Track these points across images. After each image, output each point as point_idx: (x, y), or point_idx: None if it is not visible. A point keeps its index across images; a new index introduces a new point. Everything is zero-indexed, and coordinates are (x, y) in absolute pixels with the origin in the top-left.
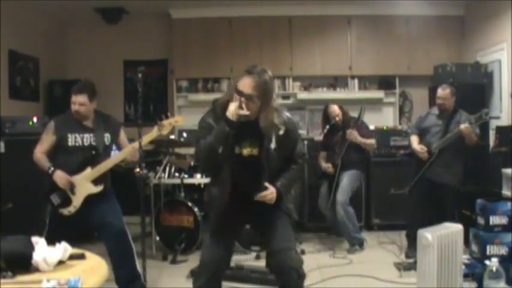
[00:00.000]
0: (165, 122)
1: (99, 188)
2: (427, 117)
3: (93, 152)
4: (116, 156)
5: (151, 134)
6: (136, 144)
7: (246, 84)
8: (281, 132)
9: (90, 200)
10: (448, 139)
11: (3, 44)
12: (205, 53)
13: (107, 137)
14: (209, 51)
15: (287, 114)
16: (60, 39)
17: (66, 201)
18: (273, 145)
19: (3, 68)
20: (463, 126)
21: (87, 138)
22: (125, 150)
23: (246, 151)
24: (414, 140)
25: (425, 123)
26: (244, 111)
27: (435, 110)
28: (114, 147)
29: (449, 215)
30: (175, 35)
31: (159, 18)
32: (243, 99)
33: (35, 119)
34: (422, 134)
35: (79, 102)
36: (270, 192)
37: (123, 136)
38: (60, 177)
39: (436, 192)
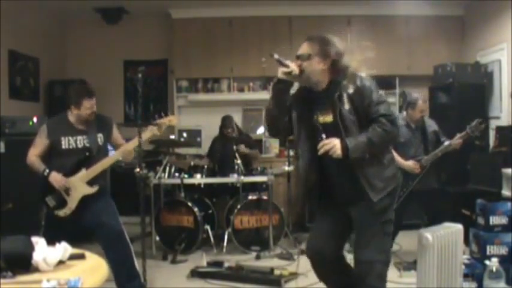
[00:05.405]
0: (159, 122)
1: (94, 189)
2: (400, 130)
3: (87, 154)
4: (110, 158)
5: (144, 135)
6: (130, 145)
7: (300, 48)
8: (350, 90)
9: (85, 200)
10: (441, 151)
11: (3, 44)
12: (205, 53)
13: (100, 137)
14: (209, 51)
15: (363, 74)
16: (60, 39)
17: (62, 203)
18: (346, 106)
19: (3, 68)
20: (456, 142)
21: (81, 140)
22: (120, 150)
23: (321, 119)
24: (397, 156)
25: (402, 137)
26: (286, 69)
27: (401, 121)
28: (110, 148)
29: (441, 215)
30: (175, 35)
31: (159, 18)
32: (298, 61)
33: (35, 119)
34: (398, 147)
35: (94, 105)
36: (328, 142)
37: (116, 133)
38: (55, 179)
39: (417, 198)
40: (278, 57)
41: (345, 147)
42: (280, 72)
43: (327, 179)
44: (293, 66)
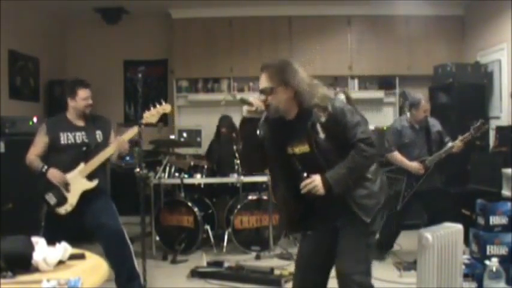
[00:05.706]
0: (153, 111)
1: (93, 183)
2: (404, 131)
3: (85, 148)
4: (106, 150)
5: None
6: (125, 136)
7: (260, 81)
8: (322, 119)
9: (85, 197)
10: (445, 152)
11: (3, 44)
12: (205, 53)
13: (99, 134)
14: (209, 51)
15: (334, 98)
16: (60, 39)
17: (62, 200)
18: (321, 135)
19: (3, 68)
20: (458, 144)
21: (79, 136)
22: (117, 141)
23: (297, 149)
24: (401, 158)
25: (406, 138)
26: (251, 108)
27: (405, 122)
28: None
29: (441, 214)
30: (175, 35)
31: (159, 18)
32: (262, 96)
33: (35, 119)
34: (402, 148)
35: (90, 97)
36: (310, 181)
37: (114, 135)
38: (54, 174)
39: (419, 198)
40: (241, 97)
41: (326, 183)
42: (246, 111)
43: (312, 204)
44: (257, 103)
